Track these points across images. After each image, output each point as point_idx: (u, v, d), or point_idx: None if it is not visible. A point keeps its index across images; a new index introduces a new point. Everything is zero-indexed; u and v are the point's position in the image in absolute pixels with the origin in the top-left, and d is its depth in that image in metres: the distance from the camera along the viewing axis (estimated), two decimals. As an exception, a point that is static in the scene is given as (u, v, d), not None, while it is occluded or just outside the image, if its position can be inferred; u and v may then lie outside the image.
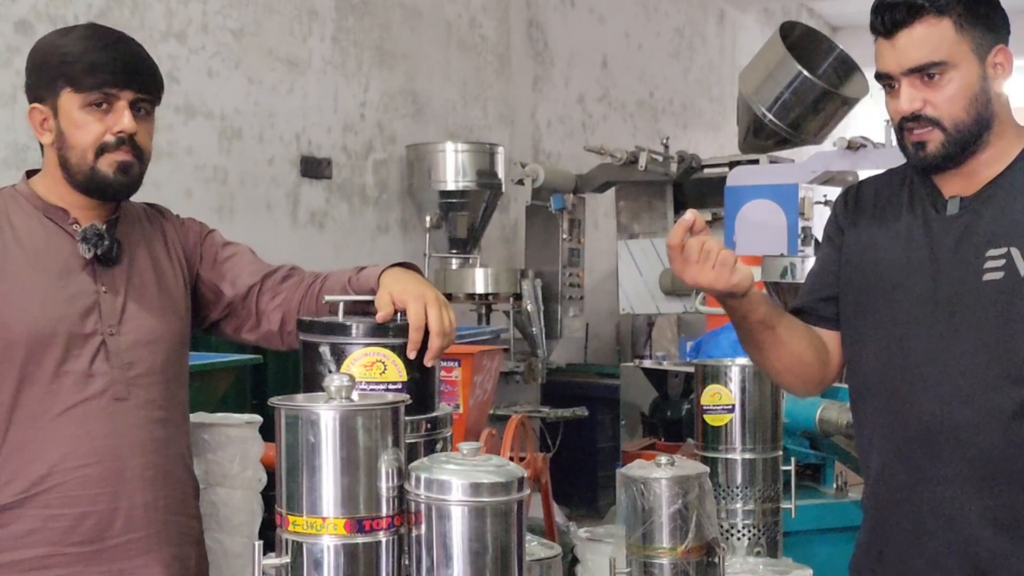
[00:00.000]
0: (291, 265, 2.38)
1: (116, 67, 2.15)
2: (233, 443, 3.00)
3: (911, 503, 2.11)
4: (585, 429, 6.65)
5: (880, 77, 2.10)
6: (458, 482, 1.62)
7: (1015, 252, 2.02)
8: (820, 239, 2.27)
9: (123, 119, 2.14)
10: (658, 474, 2.25)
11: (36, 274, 2.15)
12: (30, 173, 2.28)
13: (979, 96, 2.05)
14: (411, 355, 1.95)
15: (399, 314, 2.03)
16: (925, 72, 2.04)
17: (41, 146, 2.24)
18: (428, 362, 1.98)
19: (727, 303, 2.14)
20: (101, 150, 2.15)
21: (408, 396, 1.81)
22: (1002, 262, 2.03)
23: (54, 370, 2.13)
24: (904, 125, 2.08)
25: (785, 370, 2.28)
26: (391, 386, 1.93)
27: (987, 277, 2.03)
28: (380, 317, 1.99)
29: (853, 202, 2.27)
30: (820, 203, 5.90)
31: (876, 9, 2.09)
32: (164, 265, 2.30)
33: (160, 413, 2.23)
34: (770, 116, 6.87)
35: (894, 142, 2.22)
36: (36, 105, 2.18)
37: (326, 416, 1.64)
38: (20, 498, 2.11)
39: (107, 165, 2.15)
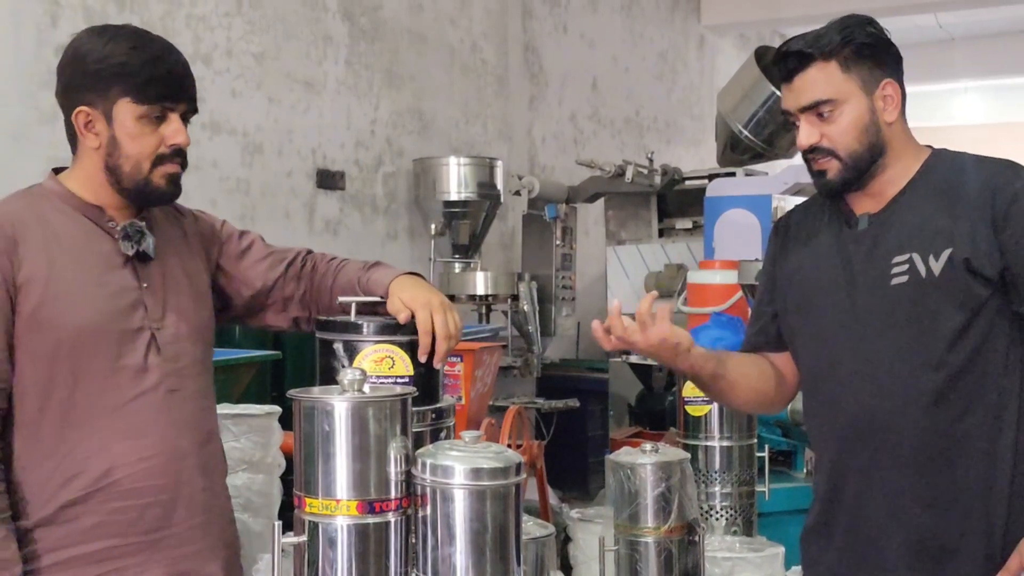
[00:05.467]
0: (306, 250, 2.29)
1: (173, 81, 2.05)
2: (255, 431, 3.01)
3: (854, 487, 2.14)
4: (577, 419, 6.62)
5: (785, 115, 2.16)
6: (460, 467, 1.62)
7: (916, 257, 2.06)
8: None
9: (181, 133, 2.05)
10: (643, 460, 2.26)
11: (80, 272, 2.01)
12: (57, 170, 2.13)
13: (870, 127, 2.10)
14: (422, 359, 1.96)
15: (407, 315, 2.05)
16: (817, 110, 2.09)
17: (72, 143, 2.09)
18: (437, 364, 1.98)
19: (678, 366, 2.18)
20: (156, 161, 2.04)
21: (415, 389, 1.81)
22: (906, 267, 2.07)
23: (109, 366, 2.00)
24: (806, 156, 2.14)
25: (746, 403, 2.35)
26: (399, 380, 1.93)
27: (894, 282, 2.08)
28: (403, 319, 1.98)
29: (783, 233, 2.32)
30: (792, 212, 5.90)
31: (775, 60, 2.16)
32: (189, 259, 2.19)
33: (205, 402, 2.16)
34: (746, 132, 6.87)
35: None
36: (84, 108, 2.02)
37: (340, 407, 1.64)
38: (84, 493, 1.98)
39: (160, 176, 2.05)
